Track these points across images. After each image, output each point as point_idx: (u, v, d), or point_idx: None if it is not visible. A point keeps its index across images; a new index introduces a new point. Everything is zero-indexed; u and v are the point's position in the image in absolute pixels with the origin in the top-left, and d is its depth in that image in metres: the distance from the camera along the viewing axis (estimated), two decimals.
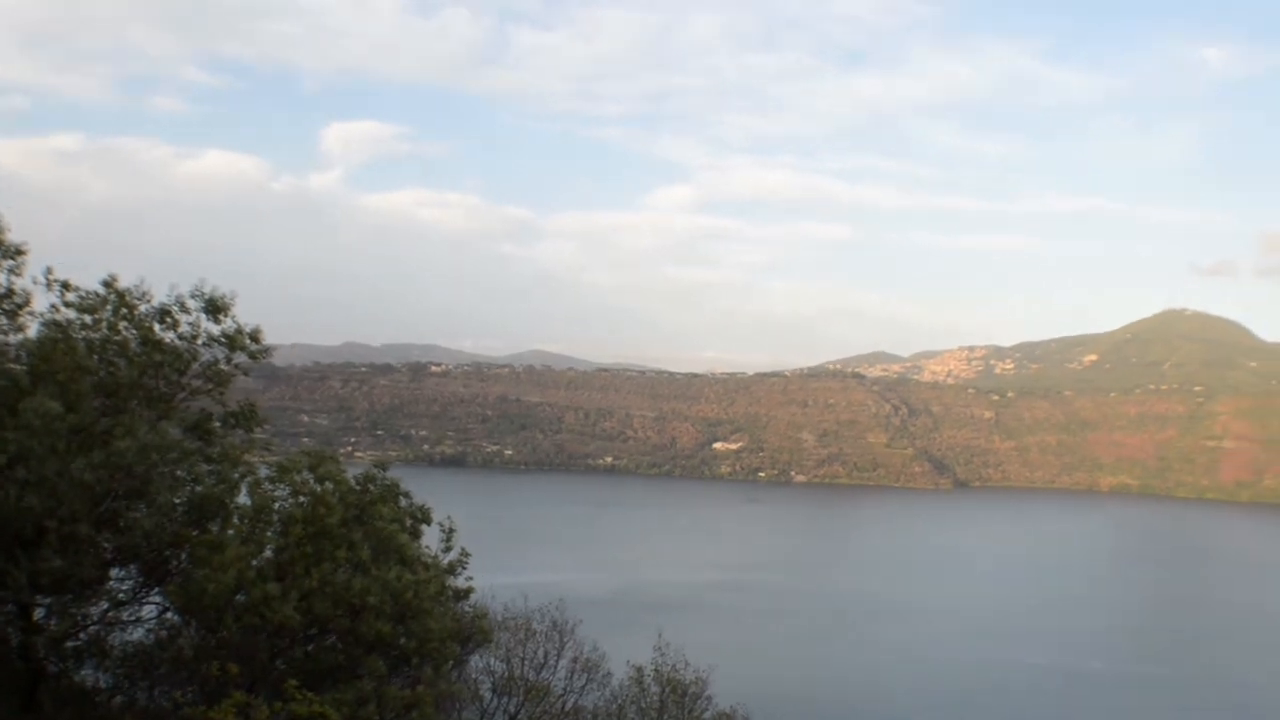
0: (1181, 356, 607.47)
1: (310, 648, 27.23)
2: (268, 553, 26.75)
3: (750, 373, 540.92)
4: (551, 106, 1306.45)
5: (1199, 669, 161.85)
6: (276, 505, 27.47)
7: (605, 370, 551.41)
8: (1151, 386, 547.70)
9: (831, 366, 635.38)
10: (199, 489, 26.30)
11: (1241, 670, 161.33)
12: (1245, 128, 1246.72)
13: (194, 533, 25.84)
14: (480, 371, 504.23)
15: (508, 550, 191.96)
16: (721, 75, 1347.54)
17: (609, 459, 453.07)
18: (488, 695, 37.67)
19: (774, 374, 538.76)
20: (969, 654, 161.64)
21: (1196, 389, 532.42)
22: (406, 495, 30.32)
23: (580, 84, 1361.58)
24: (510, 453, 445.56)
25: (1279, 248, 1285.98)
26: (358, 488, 28.47)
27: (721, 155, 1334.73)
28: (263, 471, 28.04)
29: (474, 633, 32.13)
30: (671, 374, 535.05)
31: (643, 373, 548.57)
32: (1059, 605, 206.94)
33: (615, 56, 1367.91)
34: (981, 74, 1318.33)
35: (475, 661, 36.64)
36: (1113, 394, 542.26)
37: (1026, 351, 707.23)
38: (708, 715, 41.03)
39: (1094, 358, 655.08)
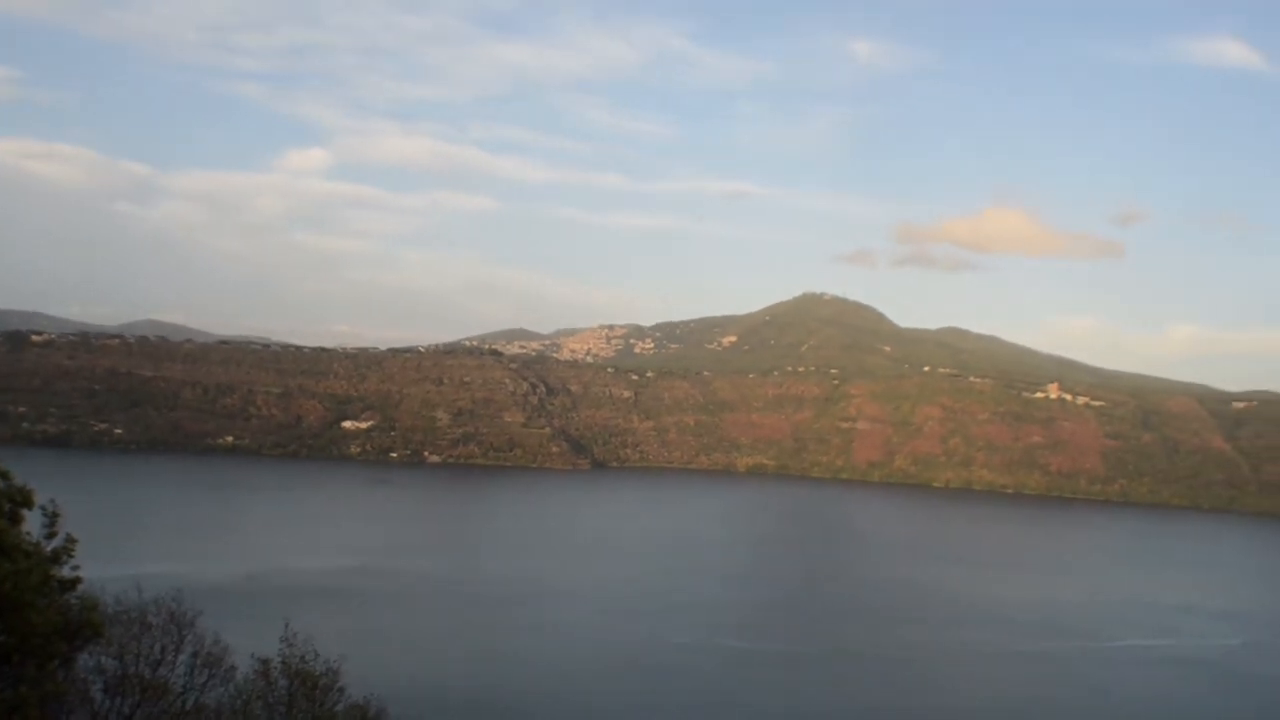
0: (819, 340, 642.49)
1: None
2: None
3: (383, 348, 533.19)
4: (182, 56, 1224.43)
5: (831, 643, 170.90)
6: None
7: (227, 343, 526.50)
8: (789, 368, 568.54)
9: (469, 343, 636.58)
10: None
11: (869, 643, 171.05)
12: (887, 121, 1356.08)
13: None
14: (88, 342, 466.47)
15: (119, 538, 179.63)
16: (366, 35, 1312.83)
17: (230, 438, 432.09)
18: (99, 696, 35.74)
19: (408, 350, 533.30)
20: (613, 635, 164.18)
21: (832, 371, 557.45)
22: (5, 476, 28.38)
23: (215, 34, 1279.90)
24: (121, 431, 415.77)
25: (913, 239, 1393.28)
26: None
27: (362, 119, 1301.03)
28: None
29: (82, 627, 30.04)
30: (299, 348, 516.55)
31: (268, 346, 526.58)
32: (697, 584, 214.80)
33: (253, 7, 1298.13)
34: (634, 51, 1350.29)
35: (84, 659, 34.42)
36: (751, 375, 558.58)
37: (666, 331, 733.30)
38: (340, 708, 40.40)
39: (733, 339, 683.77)
